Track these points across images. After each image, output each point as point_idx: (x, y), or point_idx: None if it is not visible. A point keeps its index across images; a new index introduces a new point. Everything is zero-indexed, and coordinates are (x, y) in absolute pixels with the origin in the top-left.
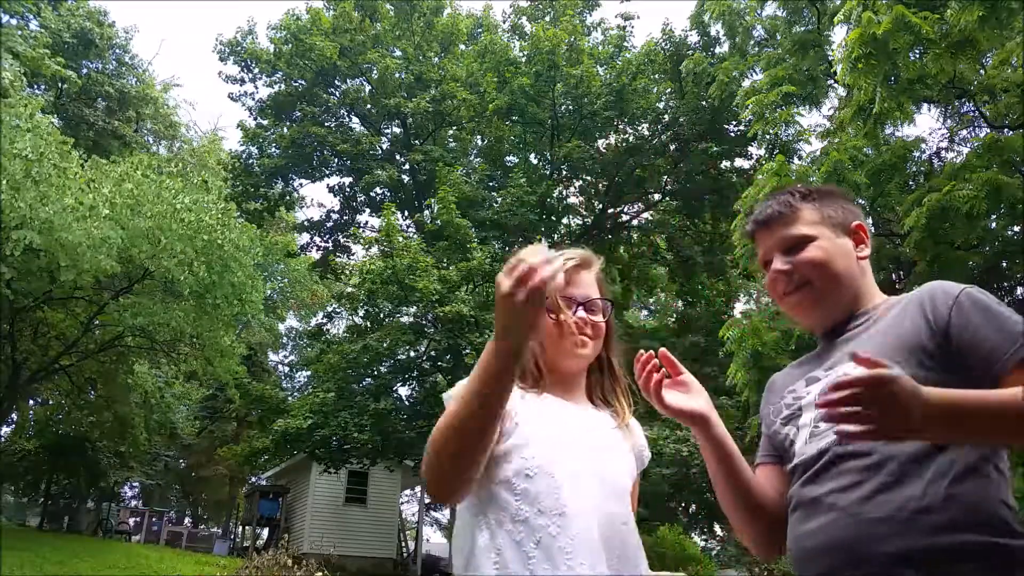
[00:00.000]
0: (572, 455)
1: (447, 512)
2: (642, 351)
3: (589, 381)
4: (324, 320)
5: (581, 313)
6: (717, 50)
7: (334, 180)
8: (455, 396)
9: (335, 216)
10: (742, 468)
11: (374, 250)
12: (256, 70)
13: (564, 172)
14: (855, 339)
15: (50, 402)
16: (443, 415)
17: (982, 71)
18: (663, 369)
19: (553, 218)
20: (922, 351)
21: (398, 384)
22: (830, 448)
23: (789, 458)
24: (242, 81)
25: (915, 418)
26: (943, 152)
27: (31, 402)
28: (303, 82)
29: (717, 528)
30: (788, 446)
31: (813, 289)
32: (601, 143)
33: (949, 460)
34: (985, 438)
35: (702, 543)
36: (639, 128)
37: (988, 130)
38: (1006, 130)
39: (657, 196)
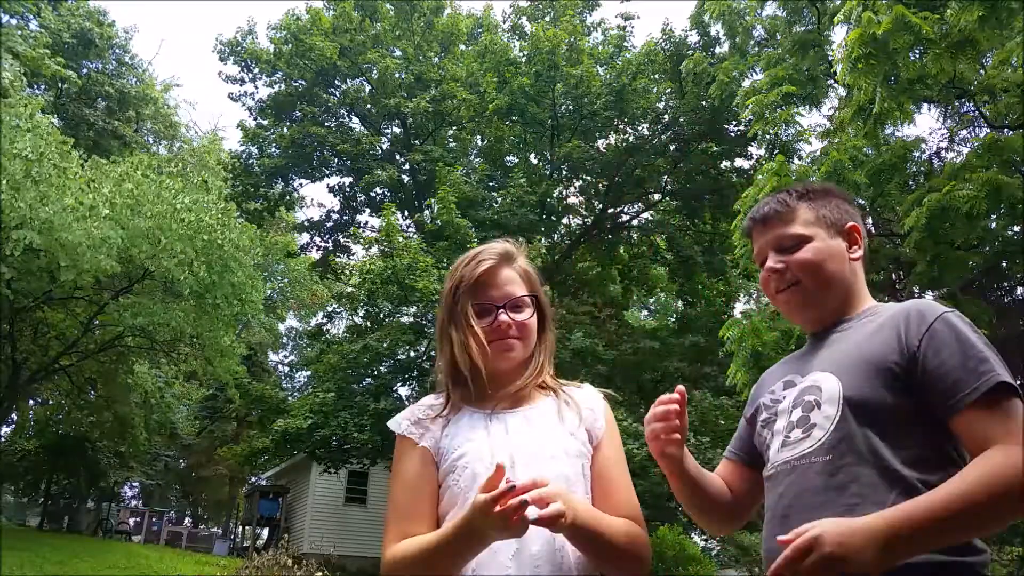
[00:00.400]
0: (493, 458)
1: None
2: (665, 395)
3: (522, 375)
4: (324, 320)
5: (504, 316)
6: (717, 50)
7: (334, 180)
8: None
9: (335, 216)
10: (705, 485)
11: (374, 250)
12: (256, 70)
13: (564, 172)
14: (831, 346)
15: (50, 402)
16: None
17: (982, 71)
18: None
19: (553, 218)
20: (888, 372)
21: (398, 384)
22: (797, 463)
23: (764, 462)
24: (242, 81)
25: (864, 553)
26: (943, 152)
27: (31, 402)
28: (303, 82)
29: None
30: (764, 450)
31: (803, 289)
32: (601, 143)
33: (894, 473)
34: (948, 541)
35: (702, 543)
36: (639, 128)
37: (988, 130)
38: (1006, 130)
39: (657, 196)
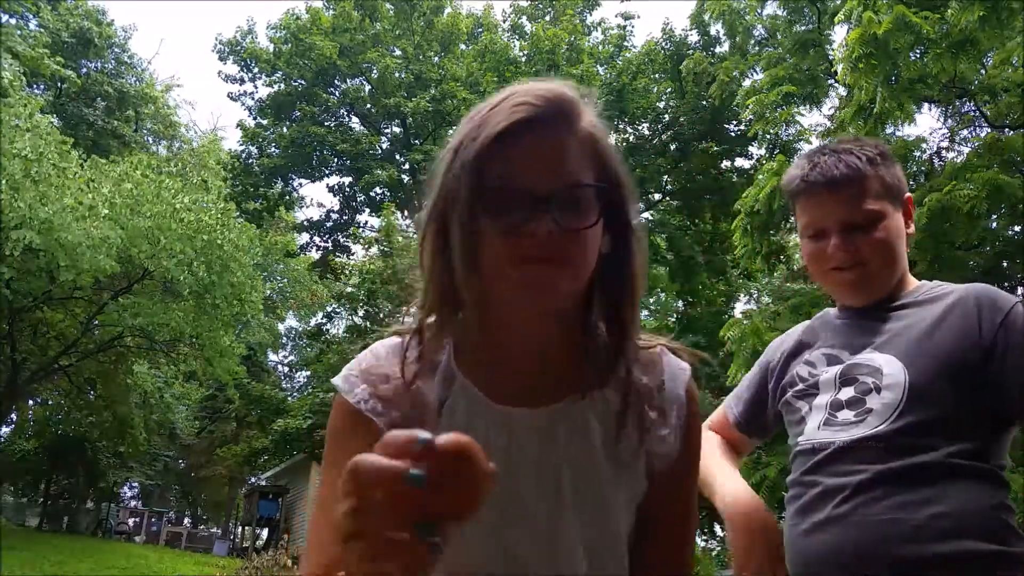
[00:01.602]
0: (507, 522)
1: None
2: None
3: (568, 343)
4: (324, 320)
5: (545, 223)
6: (717, 50)
7: (334, 180)
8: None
9: (335, 216)
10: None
11: (374, 250)
12: (256, 70)
13: None
14: (889, 326)
15: (50, 402)
16: None
17: (983, 71)
18: None
19: None
20: (959, 363)
21: None
22: (845, 443)
23: (795, 433)
24: (242, 81)
25: None
26: (943, 152)
27: (31, 402)
28: (303, 82)
29: (717, 528)
30: (796, 422)
31: (868, 270)
32: None
33: (952, 465)
34: None
35: (702, 543)
36: (639, 128)
37: (989, 130)
38: (1007, 130)
39: (657, 196)
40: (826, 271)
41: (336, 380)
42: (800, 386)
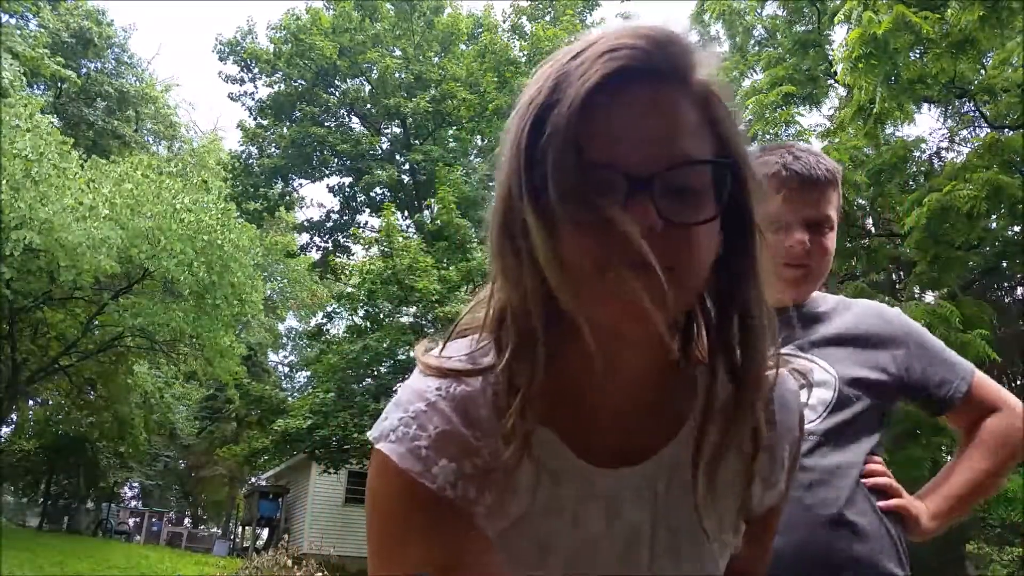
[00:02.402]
0: None
1: None
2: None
3: (669, 375)
4: (324, 320)
5: (649, 213)
6: (717, 50)
7: (334, 180)
8: None
9: (335, 216)
10: None
11: (374, 250)
12: (256, 70)
13: None
14: (806, 330)
15: (50, 402)
16: None
17: (982, 71)
18: None
19: None
20: (877, 368)
21: (398, 384)
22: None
23: None
24: (242, 81)
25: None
26: (943, 152)
27: (31, 402)
28: (303, 82)
29: None
30: None
31: (809, 272)
32: None
33: (861, 467)
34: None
35: None
36: None
37: (988, 130)
38: (1006, 130)
39: None
40: (780, 266)
41: (392, 449)
42: None
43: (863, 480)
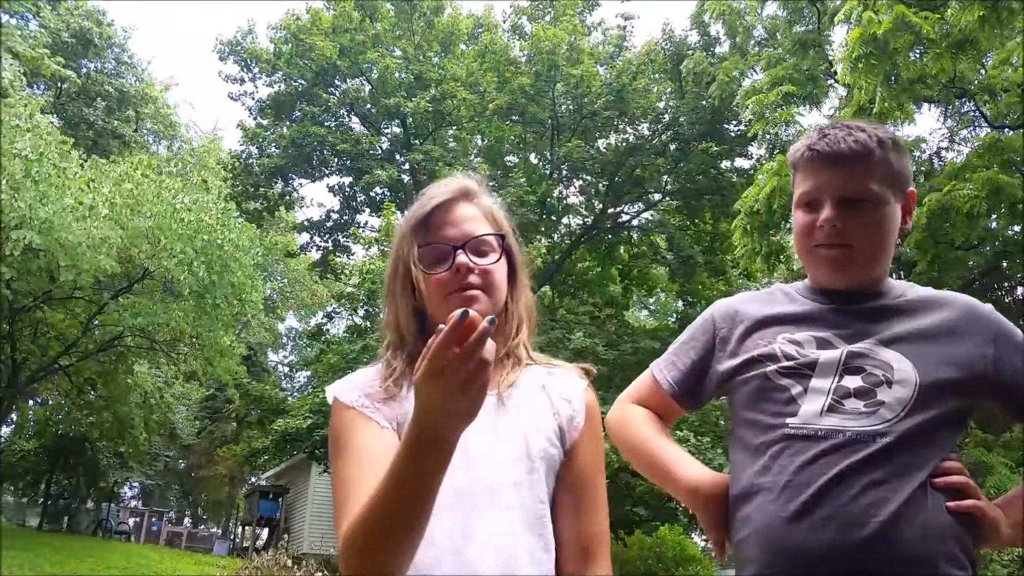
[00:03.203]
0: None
1: None
2: None
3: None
4: (324, 320)
5: (461, 258)
6: (717, 50)
7: (334, 180)
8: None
9: (335, 216)
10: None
11: (374, 250)
12: (256, 70)
13: (564, 172)
14: (886, 327)
15: (50, 402)
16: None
17: (982, 71)
18: None
19: (553, 218)
20: (963, 371)
21: None
22: (859, 437)
23: (775, 412)
24: (242, 81)
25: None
26: (943, 152)
27: (31, 402)
28: (303, 82)
29: None
30: (784, 401)
31: (853, 254)
32: (601, 143)
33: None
34: None
35: (702, 543)
36: (639, 128)
37: (988, 130)
38: (1006, 130)
39: (657, 196)
40: (811, 247)
41: (329, 388)
42: (787, 363)
43: (935, 480)
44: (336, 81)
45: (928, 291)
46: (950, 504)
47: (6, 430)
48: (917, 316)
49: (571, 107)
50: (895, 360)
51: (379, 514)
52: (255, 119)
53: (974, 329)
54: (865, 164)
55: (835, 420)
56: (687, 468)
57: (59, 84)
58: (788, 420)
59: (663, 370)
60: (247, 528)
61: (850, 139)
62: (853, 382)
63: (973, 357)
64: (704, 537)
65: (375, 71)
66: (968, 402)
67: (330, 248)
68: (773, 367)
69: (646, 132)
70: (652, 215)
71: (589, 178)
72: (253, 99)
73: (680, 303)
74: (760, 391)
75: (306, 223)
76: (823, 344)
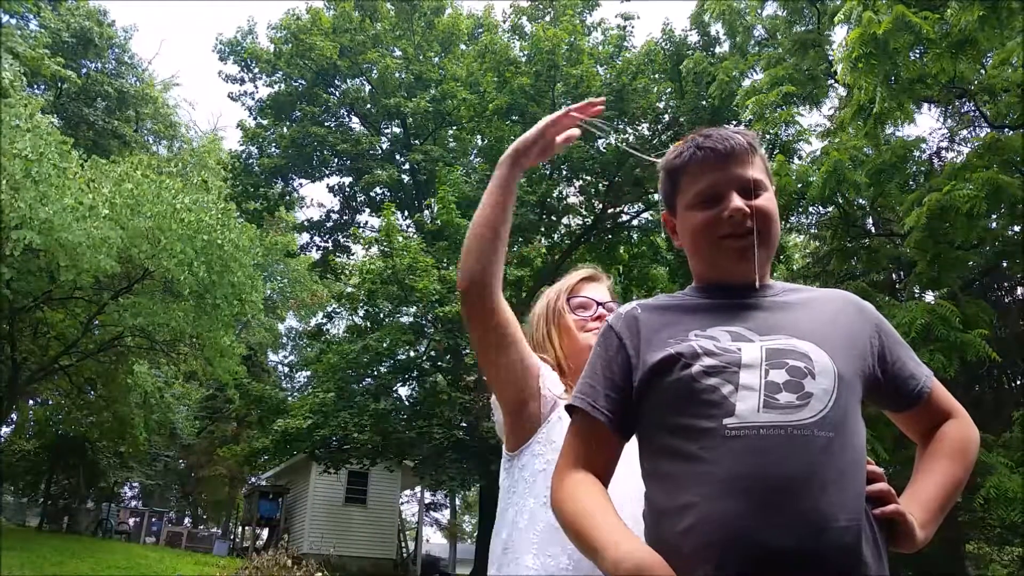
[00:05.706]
0: None
1: (446, 513)
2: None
3: None
4: (324, 320)
5: (602, 311)
6: (717, 50)
7: (334, 180)
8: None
9: (335, 216)
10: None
11: (374, 250)
12: (256, 70)
13: (564, 172)
14: (789, 318)
15: (50, 402)
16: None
17: (982, 71)
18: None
19: (553, 218)
20: (865, 358)
21: (398, 384)
22: (796, 432)
23: (707, 415)
24: (242, 81)
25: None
26: (943, 152)
27: (31, 402)
28: (303, 82)
29: None
30: (718, 402)
31: (762, 239)
32: (601, 143)
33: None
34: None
35: None
36: (639, 128)
37: (988, 130)
38: (1006, 130)
39: (657, 196)
40: (716, 239)
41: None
42: (710, 361)
43: (868, 488)
44: (336, 81)
45: (808, 287)
46: (876, 511)
47: (6, 430)
48: (815, 308)
49: None
50: (812, 351)
51: (472, 229)
52: (255, 119)
53: (862, 319)
54: (753, 157)
55: (773, 416)
56: (624, 545)
57: (59, 84)
58: (725, 421)
59: (588, 405)
60: (247, 528)
61: (735, 137)
62: (780, 376)
63: (866, 346)
64: None
65: (375, 71)
66: (865, 391)
67: (330, 248)
68: (697, 367)
69: (646, 132)
70: (652, 215)
71: (589, 178)
72: (253, 99)
73: None
74: (687, 393)
75: (306, 223)
76: (738, 338)
